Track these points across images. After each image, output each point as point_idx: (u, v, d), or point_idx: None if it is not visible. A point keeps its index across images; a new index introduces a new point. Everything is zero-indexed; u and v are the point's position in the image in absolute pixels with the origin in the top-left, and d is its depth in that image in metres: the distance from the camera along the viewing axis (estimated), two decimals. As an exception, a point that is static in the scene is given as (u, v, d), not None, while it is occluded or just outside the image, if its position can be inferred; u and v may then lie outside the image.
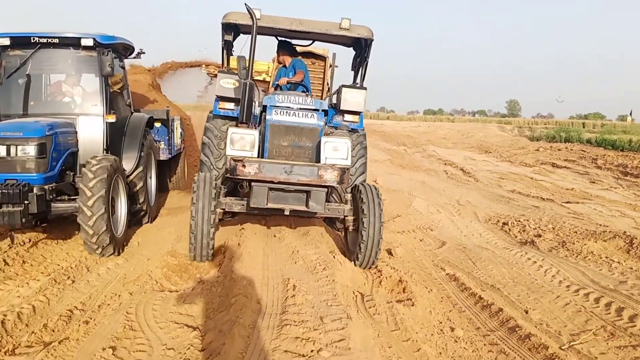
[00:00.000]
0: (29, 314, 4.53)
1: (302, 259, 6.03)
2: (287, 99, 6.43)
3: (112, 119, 7.16)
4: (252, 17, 5.83)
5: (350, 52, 7.97)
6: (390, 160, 17.93)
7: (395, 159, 18.50)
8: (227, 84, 6.93)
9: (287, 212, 5.85)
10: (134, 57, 8.77)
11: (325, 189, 5.78)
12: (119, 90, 8.22)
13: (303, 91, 7.27)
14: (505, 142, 30.47)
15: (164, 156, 9.84)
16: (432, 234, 8.88)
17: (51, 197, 6.33)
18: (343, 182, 5.66)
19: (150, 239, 7.38)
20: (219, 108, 7.23)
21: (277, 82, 7.77)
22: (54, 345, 3.90)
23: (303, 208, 5.81)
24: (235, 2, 6.49)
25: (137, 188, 7.69)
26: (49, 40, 6.92)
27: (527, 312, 5.22)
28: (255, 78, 11.02)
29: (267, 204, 5.74)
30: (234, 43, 7.48)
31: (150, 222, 8.30)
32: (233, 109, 7.11)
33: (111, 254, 6.36)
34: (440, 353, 4.29)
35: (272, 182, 5.61)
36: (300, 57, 8.13)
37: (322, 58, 10.48)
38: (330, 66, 9.89)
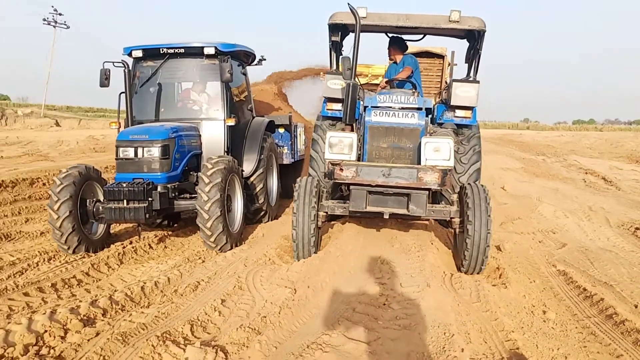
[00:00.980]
0: (164, 283, 5.70)
1: (400, 243, 6.57)
2: (389, 98, 6.49)
3: (232, 122, 8.11)
4: (355, 17, 6.11)
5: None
6: (524, 169, 17.74)
7: (530, 167, 18.25)
8: (335, 85, 7.30)
9: (386, 216, 5.92)
10: (256, 64, 9.80)
11: (427, 192, 5.77)
12: (244, 99, 9.31)
13: (410, 88, 7.35)
14: (662, 152, 28.19)
15: (286, 160, 10.77)
16: (553, 236, 8.92)
17: (174, 194, 7.36)
18: (445, 185, 5.64)
19: (275, 231, 8.41)
20: (327, 109, 7.67)
21: (385, 80, 8.06)
22: (177, 302, 4.93)
23: (403, 211, 5.82)
24: (340, 3, 6.77)
25: (257, 189, 8.63)
26: (176, 50, 8.07)
27: (636, 307, 5.29)
28: (372, 82, 11.62)
29: (365, 207, 5.84)
30: (343, 43, 7.80)
31: (270, 221, 9.19)
32: (340, 110, 7.35)
33: (229, 250, 7.17)
34: (522, 327, 4.66)
35: (369, 185, 5.70)
36: (411, 54, 8.26)
37: (440, 56, 10.68)
38: (449, 64, 10.20)
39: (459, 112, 7.38)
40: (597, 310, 5.19)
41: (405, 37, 8.07)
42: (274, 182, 9.82)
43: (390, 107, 6.35)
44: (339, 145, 5.93)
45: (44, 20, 50.06)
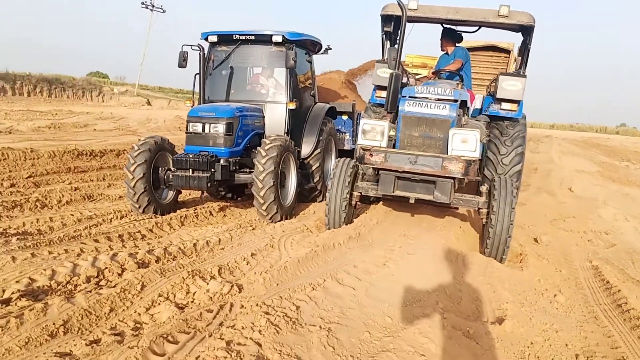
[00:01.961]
0: (214, 242, 6.50)
1: (428, 223, 7.12)
2: (427, 89, 6.81)
3: (293, 106, 8.87)
4: (402, 9, 6.63)
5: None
6: (600, 173, 17.47)
7: (607, 171, 17.92)
8: (384, 74, 7.82)
9: (412, 201, 6.38)
10: (322, 53, 10.48)
11: (451, 180, 6.14)
12: (308, 85, 10.06)
13: (457, 80, 7.77)
14: None
15: (347, 146, 11.43)
16: (605, 237, 9.02)
17: (235, 168, 8.23)
18: (469, 174, 6.01)
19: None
20: (376, 97, 8.27)
21: (433, 71, 8.51)
22: (215, 253, 5.80)
23: (429, 197, 6.23)
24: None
25: (313, 169, 9.37)
26: (247, 37, 8.92)
27: None
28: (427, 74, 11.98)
29: (393, 191, 6.30)
30: (398, 33, 7.96)
31: (324, 200, 9.90)
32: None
33: (278, 221, 7.93)
34: (522, 303, 5.10)
35: (397, 171, 6.17)
36: (463, 46, 8.55)
37: (507, 51, 10.79)
38: (515, 60, 10.44)
39: (504, 105, 7.73)
40: (611, 300, 5.52)
41: (459, 29, 8.33)
42: (331, 165, 10.47)
43: (427, 97, 6.66)
44: (372, 132, 6.43)
45: (142, 3, 53.04)
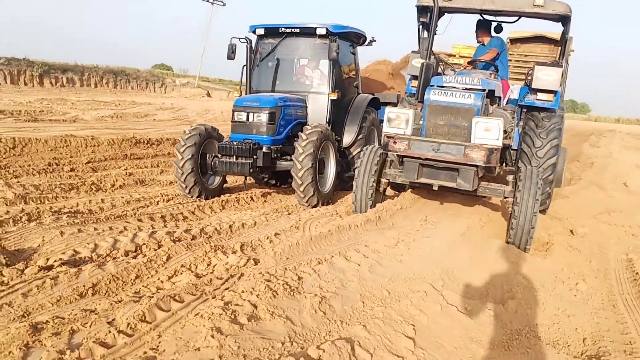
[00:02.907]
0: (249, 225, 6.88)
1: (454, 210, 7.36)
2: (456, 79, 6.89)
3: (334, 96, 9.18)
4: (433, 1, 6.90)
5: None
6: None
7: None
8: (418, 64, 7.88)
9: (435, 187, 6.55)
10: (366, 45, 10.74)
11: (474, 168, 6.26)
12: (352, 76, 10.36)
13: (492, 70, 7.75)
14: None
15: None
16: None
17: (276, 155, 8.64)
18: (491, 163, 6.09)
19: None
20: (411, 86, 8.45)
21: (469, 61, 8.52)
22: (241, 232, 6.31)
23: (452, 184, 6.40)
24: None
25: (354, 157, 9.66)
26: (293, 30, 9.29)
27: None
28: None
29: (417, 178, 6.51)
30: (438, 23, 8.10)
31: None
32: None
33: (315, 205, 8.27)
34: (537, 289, 5.22)
35: (419, 158, 6.35)
36: (499, 36, 8.47)
37: (556, 42, 10.40)
38: (565, 52, 10.36)
39: (540, 95, 7.79)
40: (636, 291, 5.58)
41: (499, 19, 8.31)
42: None
43: (454, 87, 6.73)
44: (397, 120, 6.62)
45: (203, -3, 54.39)
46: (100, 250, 5.32)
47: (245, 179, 9.46)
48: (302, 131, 8.63)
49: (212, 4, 53.56)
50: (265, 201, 8.87)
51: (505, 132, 6.58)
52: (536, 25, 8.91)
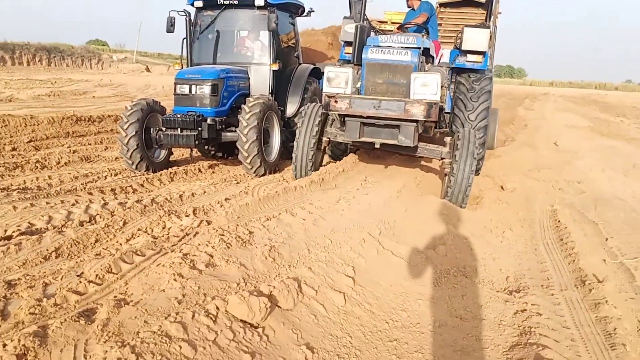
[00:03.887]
0: (199, 194, 7.26)
1: (392, 170, 7.99)
2: (391, 39, 7.17)
3: (275, 67, 9.54)
4: None
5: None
6: (591, 127, 17.97)
7: (598, 126, 18.43)
8: (351, 29, 7.99)
9: (377, 145, 6.80)
10: (305, 16, 11.07)
11: (414, 124, 6.54)
12: (293, 45, 10.70)
13: (422, 33, 7.82)
14: None
15: None
16: (577, 186, 9.45)
17: (221, 127, 8.92)
18: (430, 117, 6.39)
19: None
20: (345, 53, 8.76)
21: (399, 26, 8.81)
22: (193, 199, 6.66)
23: (393, 142, 6.66)
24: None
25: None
26: (231, 1, 9.54)
27: (607, 240, 6.04)
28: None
29: (359, 137, 6.75)
30: None
31: None
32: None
33: (262, 174, 8.65)
34: (466, 237, 5.82)
35: (361, 116, 6.56)
36: (428, 1, 8.81)
37: (484, 5, 10.90)
38: (492, 14, 10.82)
39: (470, 57, 8.21)
40: (556, 236, 6.22)
41: None
42: None
43: (390, 46, 6.98)
44: (336, 79, 6.85)
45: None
46: (55, 222, 5.60)
47: (192, 151, 9.76)
48: (245, 103, 8.93)
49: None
50: (213, 172, 9.21)
51: (442, 87, 6.92)
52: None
